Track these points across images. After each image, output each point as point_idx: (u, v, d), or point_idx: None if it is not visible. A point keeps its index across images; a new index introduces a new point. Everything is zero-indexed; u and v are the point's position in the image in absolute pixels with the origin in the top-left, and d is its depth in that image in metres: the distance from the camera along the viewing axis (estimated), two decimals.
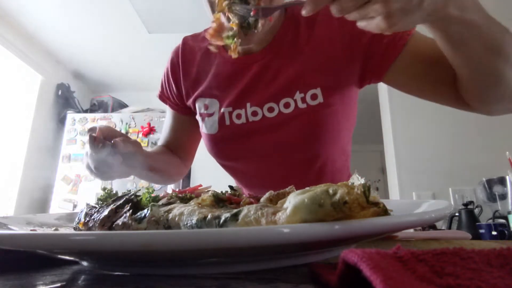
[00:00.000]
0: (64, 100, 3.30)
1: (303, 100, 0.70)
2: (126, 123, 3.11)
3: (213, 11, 0.63)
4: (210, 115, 0.78)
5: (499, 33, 0.51)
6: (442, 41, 0.53)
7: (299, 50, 0.71)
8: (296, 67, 0.71)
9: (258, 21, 0.56)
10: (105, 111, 3.36)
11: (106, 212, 0.39)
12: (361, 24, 0.44)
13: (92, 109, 3.42)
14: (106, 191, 0.49)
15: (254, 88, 0.73)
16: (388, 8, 0.40)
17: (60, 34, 2.88)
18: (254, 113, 0.73)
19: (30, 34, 2.86)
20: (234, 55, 0.57)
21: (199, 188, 0.50)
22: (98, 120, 3.16)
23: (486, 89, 0.57)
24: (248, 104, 0.74)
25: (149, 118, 3.09)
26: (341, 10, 0.42)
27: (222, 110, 0.76)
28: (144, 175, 0.76)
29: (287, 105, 0.71)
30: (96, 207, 0.43)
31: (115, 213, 0.39)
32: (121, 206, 0.40)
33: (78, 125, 3.15)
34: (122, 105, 3.51)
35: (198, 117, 0.82)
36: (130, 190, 0.45)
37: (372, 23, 0.43)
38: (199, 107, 0.80)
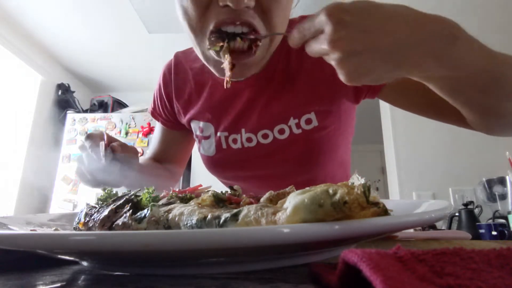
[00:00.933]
0: (64, 100, 3.31)
1: (298, 125, 0.70)
2: (126, 123, 3.11)
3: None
4: (207, 137, 0.77)
5: (503, 71, 0.45)
6: (432, 89, 0.49)
7: (291, 76, 0.70)
8: (288, 94, 0.70)
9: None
10: (105, 111, 3.36)
11: (106, 212, 0.39)
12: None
13: (92, 109, 3.42)
14: (106, 191, 0.49)
15: (247, 115, 0.73)
16: (343, 68, 0.38)
17: (60, 34, 2.88)
18: (249, 140, 0.73)
19: (30, 34, 2.86)
20: (228, 82, 0.55)
21: (199, 188, 0.50)
22: (98, 120, 3.16)
23: (490, 121, 0.55)
24: (243, 130, 0.73)
25: (149, 118, 3.07)
26: (309, 53, 0.42)
27: (218, 134, 0.75)
28: (135, 186, 0.76)
29: (281, 132, 0.71)
30: (96, 207, 0.43)
31: (115, 213, 0.39)
32: (121, 206, 0.40)
33: (78, 125, 3.15)
34: (122, 105, 3.52)
35: (195, 137, 0.81)
36: (130, 190, 0.45)
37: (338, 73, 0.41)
38: (194, 128, 0.80)
